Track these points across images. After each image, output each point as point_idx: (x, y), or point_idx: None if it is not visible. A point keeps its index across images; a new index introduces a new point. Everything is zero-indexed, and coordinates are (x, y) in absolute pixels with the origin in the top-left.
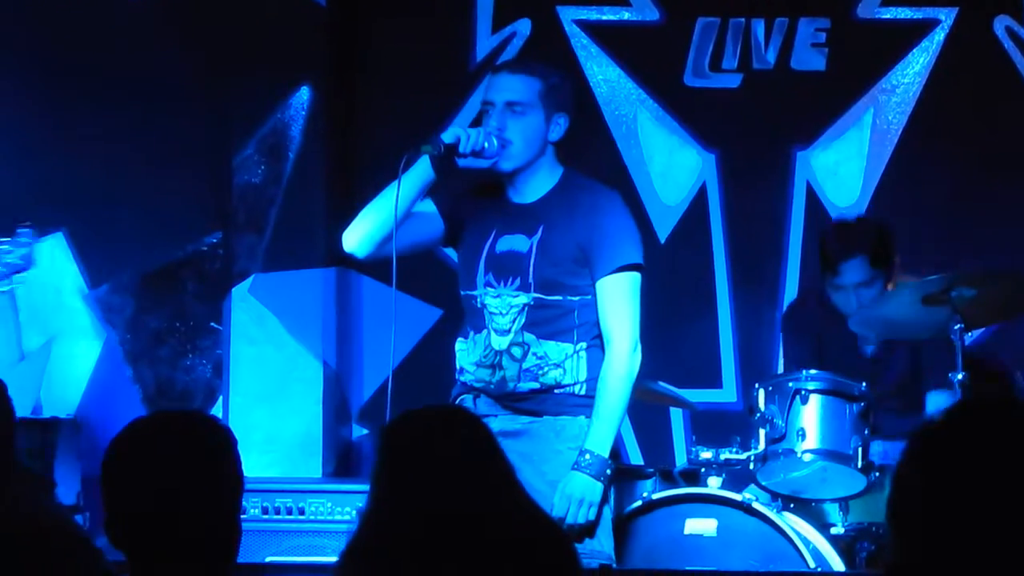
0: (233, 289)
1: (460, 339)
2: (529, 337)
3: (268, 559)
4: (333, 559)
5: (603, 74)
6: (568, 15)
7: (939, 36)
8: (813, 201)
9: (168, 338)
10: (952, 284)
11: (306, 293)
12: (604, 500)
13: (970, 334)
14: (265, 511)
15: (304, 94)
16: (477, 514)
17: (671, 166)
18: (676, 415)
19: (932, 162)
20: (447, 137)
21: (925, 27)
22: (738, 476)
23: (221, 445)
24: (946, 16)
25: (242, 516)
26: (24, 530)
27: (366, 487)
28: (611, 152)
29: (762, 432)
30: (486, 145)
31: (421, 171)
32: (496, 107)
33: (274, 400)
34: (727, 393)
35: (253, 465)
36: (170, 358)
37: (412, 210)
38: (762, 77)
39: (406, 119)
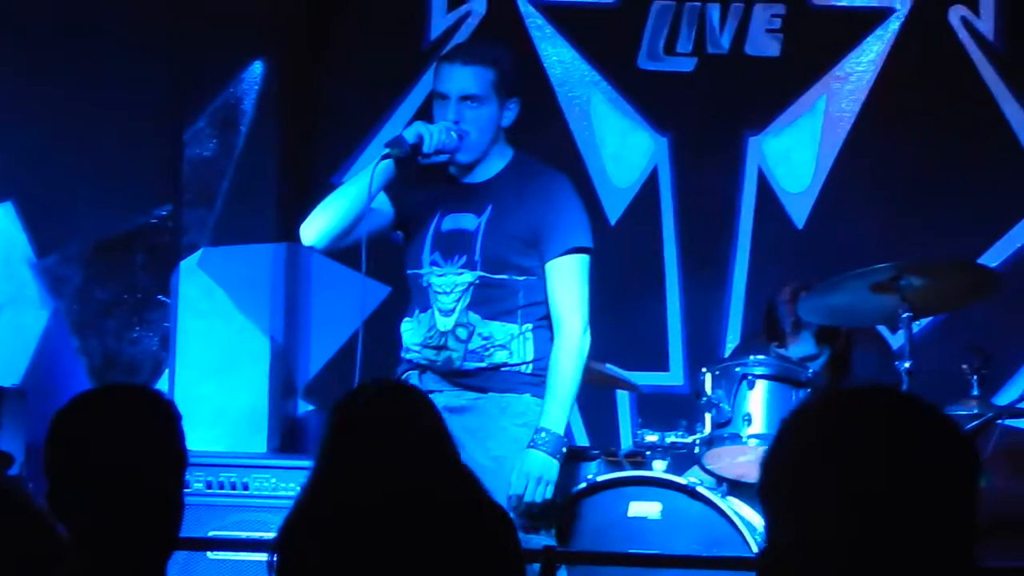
0: (182, 262)
1: (406, 318)
2: (474, 317)
3: (211, 534)
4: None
5: (557, 55)
6: None
7: (894, 25)
8: (764, 187)
9: (116, 310)
10: (901, 273)
11: (255, 268)
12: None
13: (918, 323)
14: (209, 486)
15: (257, 68)
16: (422, 486)
17: (623, 148)
18: (623, 397)
19: (884, 150)
20: (410, 137)
21: (880, 15)
22: (683, 460)
23: (165, 419)
24: (902, 5)
25: (186, 490)
26: None
27: (310, 463)
28: (563, 133)
29: (708, 416)
30: (446, 141)
31: (383, 170)
32: (450, 100)
33: (221, 374)
34: (674, 376)
35: (199, 439)
36: (117, 330)
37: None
38: (716, 61)
39: (359, 96)
